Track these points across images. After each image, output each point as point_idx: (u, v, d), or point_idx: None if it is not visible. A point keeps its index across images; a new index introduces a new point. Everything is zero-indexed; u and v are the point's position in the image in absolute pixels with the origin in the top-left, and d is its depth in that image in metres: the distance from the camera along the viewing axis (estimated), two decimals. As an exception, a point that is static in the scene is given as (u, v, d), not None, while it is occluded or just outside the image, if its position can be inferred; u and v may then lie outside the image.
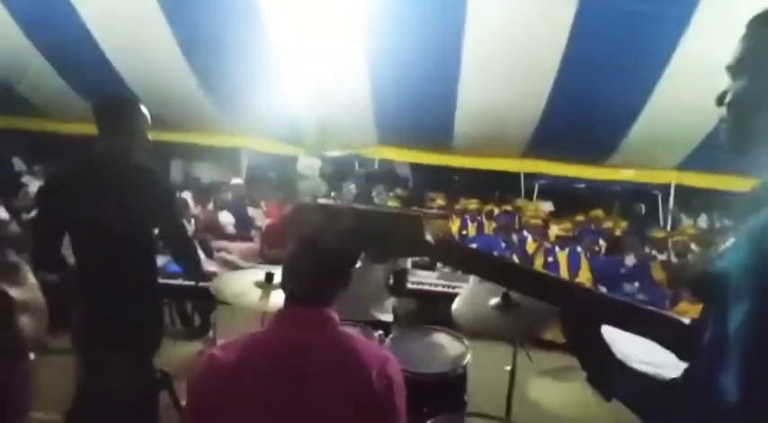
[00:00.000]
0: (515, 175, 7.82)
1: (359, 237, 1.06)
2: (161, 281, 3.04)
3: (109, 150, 2.25)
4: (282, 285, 1.35)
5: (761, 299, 0.75)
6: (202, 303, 3.77)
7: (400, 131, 7.25)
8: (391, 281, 2.88)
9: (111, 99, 2.41)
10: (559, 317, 0.98)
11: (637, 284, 5.65)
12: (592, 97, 5.91)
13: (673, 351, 0.99)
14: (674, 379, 0.89)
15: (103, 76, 6.56)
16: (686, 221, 8.49)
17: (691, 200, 8.46)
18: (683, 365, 0.93)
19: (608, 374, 0.95)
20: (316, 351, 1.25)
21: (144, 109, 2.33)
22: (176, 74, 6.59)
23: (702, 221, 8.94)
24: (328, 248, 1.29)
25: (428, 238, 1.01)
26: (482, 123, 6.68)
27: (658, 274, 5.88)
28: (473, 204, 7.26)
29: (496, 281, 1.14)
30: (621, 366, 0.94)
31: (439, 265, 5.45)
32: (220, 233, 6.36)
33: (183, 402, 2.88)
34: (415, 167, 9.44)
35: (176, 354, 2.29)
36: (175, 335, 4.04)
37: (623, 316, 0.98)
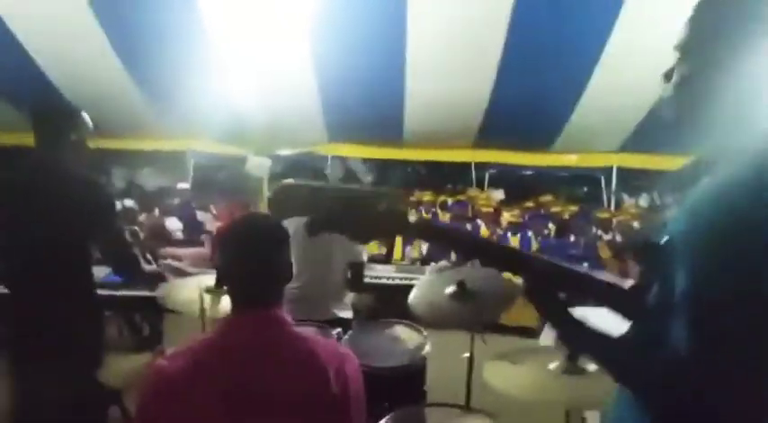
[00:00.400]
0: (466, 166, 7.92)
1: (341, 216, 1.05)
2: (105, 292, 2.95)
3: (46, 159, 2.15)
4: (227, 290, 1.31)
5: (699, 263, 0.83)
6: (151, 313, 3.63)
7: (350, 127, 7.23)
8: (348, 275, 2.85)
9: (50, 107, 2.30)
10: (524, 285, 1.07)
11: (585, 264, 5.82)
12: (534, 86, 6.07)
13: (618, 311, 1.10)
14: (626, 334, 1.01)
15: (36, 85, 6.26)
16: (628, 201, 8.83)
17: (631, 181, 8.83)
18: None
19: (571, 333, 1.05)
20: (268, 355, 1.22)
21: (85, 116, 2.24)
22: (113, 79, 6.34)
23: (643, 201, 9.32)
24: (270, 247, 1.28)
25: (410, 216, 1.06)
26: (431, 115, 6.74)
27: (604, 253, 6.09)
28: (427, 196, 7.31)
29: (468, 254, 1.21)
30: (581, 325, 1.03)
31: (395, 258, 5.49)
32: (168, 240, 6.17)
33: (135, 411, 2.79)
34: (368, 162, 9.43)
35: (124, 366, 2.18)
36: (125, 346, 3.88)
37: (577, 283, 1.09)
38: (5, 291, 2.22)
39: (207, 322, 2.52)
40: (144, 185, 8.67)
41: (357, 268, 2.91)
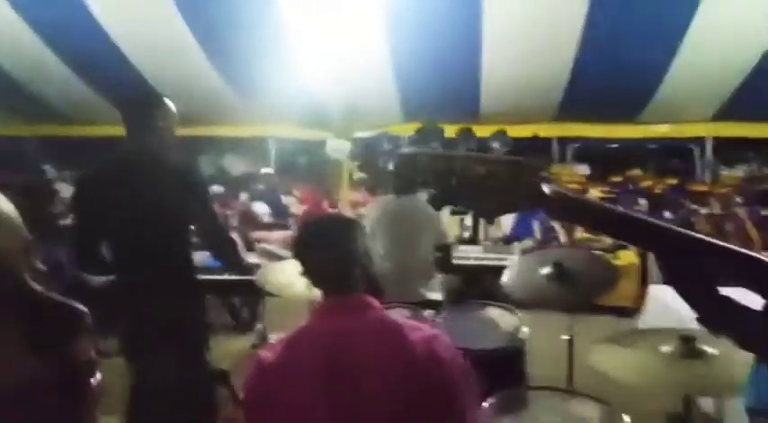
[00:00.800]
0: (547, 141, 7.65)
1: (471, 188, 0.94)
2: (204, 277, 3.09)
3: (138, 148, 2.24)
4: (313, 280, 1.36)
5: None
6: (249, 296, 3.79)
7: (426, 106, 7.13)
8: (437, 257, 2.84)
9: (137, 96, 2.41)
10: (660, 261, 0.96)
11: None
12: (618, 58, 5.77)
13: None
14: None
15: (124, 76, 6.56)
16: (725, 173, 8.21)
17: (728, 151, 8.22)
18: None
19: (716, 312, 0.93)
20: (359, 338, 1.26)
21: (170, 104, 2.31)
22: (196, 67, 6.57)
23: (742, 172, 8.64)
24: (349, 234, 1.35)
25: (544, 187, 0.95)
26: (508, 91, 6.55)
27: (703, 227, 5.69)
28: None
29: (605, 229, 1.10)
30: (728, 303, 0.92)
31: (482, 238, 5.40)
32: (256, 224, 6.42)
33: (241, 396, 2.93)
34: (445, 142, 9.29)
35: (229, 349, 2.30)
36: (226, 330, 4.08)
37: (725, 259, 0.95)
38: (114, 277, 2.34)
39: (305, 304, 2.60)
40: (230, 171, 9.02)
41: (445, 250, 2.90)
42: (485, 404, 1.82)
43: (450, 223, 4.91)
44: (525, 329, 2.24)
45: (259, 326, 2.42)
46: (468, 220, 5.71)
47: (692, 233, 1.01)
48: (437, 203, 0.99)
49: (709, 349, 1.66)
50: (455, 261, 3.25)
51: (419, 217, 2.78)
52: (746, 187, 6.65)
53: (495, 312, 2.46)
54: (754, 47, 5.72)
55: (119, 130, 2.33)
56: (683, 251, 0.95)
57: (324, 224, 1.47)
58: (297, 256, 1.38)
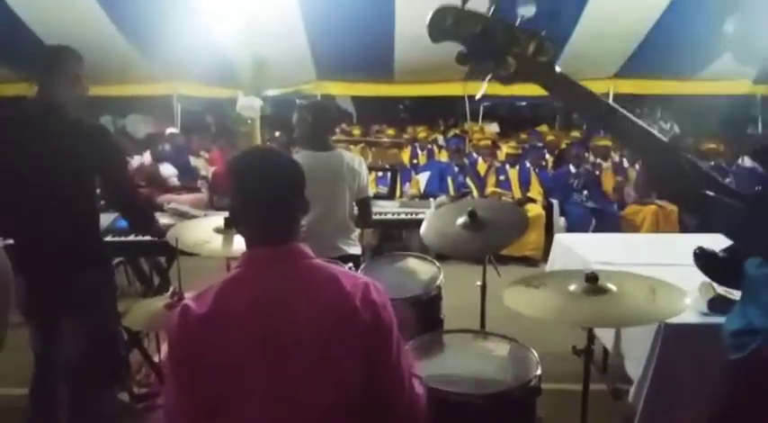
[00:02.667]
0: (459, 100, 7.78)
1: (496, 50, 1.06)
2: (112, 239, 2.92)
3: (47, 100, 2.07)
4: (239, 229, 1.28)
5: None
6: (160, 258, 3.63)
7: (339, 64, 7.03)
8: (355, 211, 2.84)
9: (53, 46, 2.22)
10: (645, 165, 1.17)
11: (585, 193, 5.86)
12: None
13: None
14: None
15: (17, 35, 5.97)
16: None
17: (629, 107, 8.79)
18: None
19: (696, 207, 1.14)
20: (292, 289, 1.20)
21: (80, 56, 2.15)
22: (93, 23, 6.05)
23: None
24: (281, 178, 1.25)
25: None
26: (421, 50, 6.54)
27: (608, 180, 6.10)
28: (422, 132, 7.21)
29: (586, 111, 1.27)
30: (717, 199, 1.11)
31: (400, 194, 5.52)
32: (164, 187, 6.11)
33: (156, 358, 2.85)
34: (359, 100, 9.24)
35: (142, 310, 2.20)
36: (134, 295, 3.91)
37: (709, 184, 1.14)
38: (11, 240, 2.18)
39: (219, 263, 2.53)
40: (133, 132, 8.47)
41: (365, 204, 2.90)
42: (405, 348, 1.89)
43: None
44: (442, 277, 2.31)
45: (173, 286, 2.32)
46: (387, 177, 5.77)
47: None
48: (462, 59, 1.08)
49: (610, 286, 1.80)
50: (374, 216, 3.24)
51: (338, 172, 2.74)
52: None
53: (413, 263, 2.52)
54: (651, 11, 6.10)
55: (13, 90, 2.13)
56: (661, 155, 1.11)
57: (265, 158, 1.33)
58: (233, 189, 1.26)
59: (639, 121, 1.16)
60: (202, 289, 1.23)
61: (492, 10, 1.06)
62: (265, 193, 1.24)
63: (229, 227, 2.33)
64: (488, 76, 1.10)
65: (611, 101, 6.35)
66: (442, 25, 1.04)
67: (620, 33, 6.44)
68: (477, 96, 1.23)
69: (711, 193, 1.11)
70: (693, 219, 1.32)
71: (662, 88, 7.57)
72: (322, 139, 2.78)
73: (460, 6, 1.05)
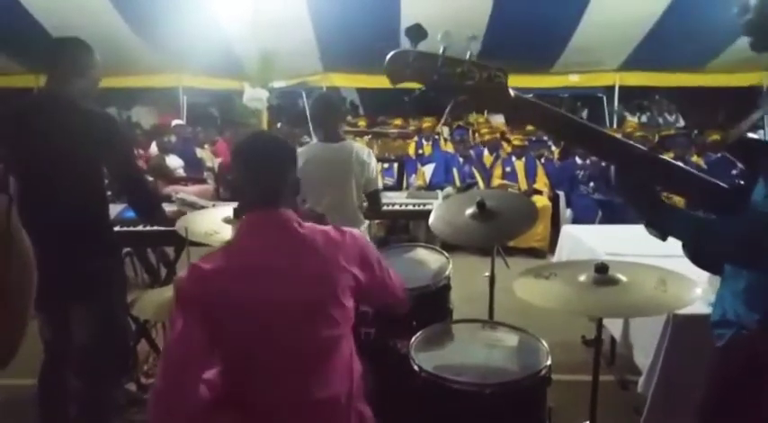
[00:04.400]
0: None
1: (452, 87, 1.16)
2: (120, 229, 2.93)
3: (57, 91, 2.07)
4: (238, 199, 1.49)
5: None
6: (166, 250, 3.64)
7: (345, 57, 7.01)
8: (365, 203, 2.84)
9: (68, 38, 2.21)
10: (616, 170, 1.17)
11: (592, 185, 5.83)
12: (532, 7, 5.92)
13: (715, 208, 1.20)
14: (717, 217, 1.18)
15: (22, 25, 5.98)
16: (630, 119, 8.78)
17: (633, 99, 8.77)
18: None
19: (660, 217, 1.17)
20: (286, 245, 1.38)
21: (92, 49, 2.16)
22: (98, 14, 6.04)
23: (645, 117, 9.29)
24: (274, 155, 1.45)
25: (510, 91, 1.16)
26: (427, 42, 6.52)
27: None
28: (427, 123, 7.18)
29: (565, 134, 1.28)
30: (672, 210, 1.15)
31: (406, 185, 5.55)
32: (170, 178, 6.12)
33: (162, 347, 2.85)
34: (364, 92, 9.21)
35: (151, 300, 2.21)
36: (141, 286, 3.92)
37: (673, 173, 1.18)
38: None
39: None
40: (139, 123, 8.48)
41: (374, 196, 2.90)
42: (413, 339, 1.89)
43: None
44: (451, 268, 2.30)
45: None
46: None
47: (644, 149, 1.17)
48: (416, 104, 1.17)
49: (620, 276, 1.79)
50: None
51: (347, 163, 2.74)
52: (649, 132, 7.17)
53: (422, 253, 2.52)
54: (657, 4, 6.07)
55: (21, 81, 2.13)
56: (630, 159, 1.14)
57: (265, 141, 1.55)
58: (234, 165, 1.46)
59: (600, 129, 1.21)
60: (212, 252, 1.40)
61: (443, 49, 1.14)
62: (259, 162, 1.44)
63: (238, 217, 2.33)
64: (449, 106, 1.19)
65: (616, 92, 6.44)
66: (400, 68, 1.13)
67: (625, 26, 6.45)
68: (438, 128, 1.31)
69: (672, 207, 1.17)
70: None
71: (667, 81, 7.56)
72: (333, 130, 2.78)
73: (414, 49, 1.14)
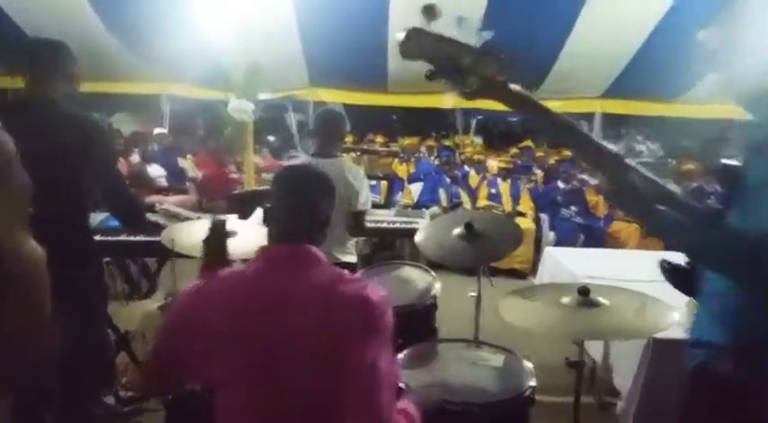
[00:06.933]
0: (452, 112, 7.85)
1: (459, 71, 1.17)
2: (101, 238, 2.88)
3: (40, 94, 2.05)
4: (267, 225, 1.41)
5: None
6: (146, 261, 3.59)
7: (333, 72, 7.04)
8: (351, 222, 2.84)
9: (47, 39, 2.18)
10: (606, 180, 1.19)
11: (573, 208, 5.94)
12: (519, 32, 6.03)
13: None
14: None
15: (1, 29, 5.88)
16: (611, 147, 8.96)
17: (614, 126, 8.98)
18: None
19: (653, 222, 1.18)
20: (298, 286, 1.25)
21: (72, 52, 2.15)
22: (80, 19, 5.98)
23: (624, 145, 9.50)
24: (309, 187, 1.38)
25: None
26: (415, 61, 6.61)
27: (592, 197, 6.19)
28: (413, 141, 7.26)
29: (550, 130, 1.28)
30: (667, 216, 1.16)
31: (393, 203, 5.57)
32: (151, 187, 6.05)
33: (142, 359, 2.81)
34: (352, 108, 9.24)
35: (134, 312, 2.18)
36: (120, 297, 3.85)
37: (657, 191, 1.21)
38: None
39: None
40: (120, 130, 8.37)
41: (359, 215, 2.91)
42: (399, 357, 1.89)
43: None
44: (438, 287, 2.32)
45: (166, 287, 2.31)
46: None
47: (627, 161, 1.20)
48: (431, 76, 1.18)
49: (602, 300, 1.83)
50: (369, 224, 3.24)
51: (338, 181, 2.75)
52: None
53: (409, 271, 2.53)
54: (638, 34, 6.25)
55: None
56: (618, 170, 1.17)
57: (303, 172, 1.52)
58: (272, 192, 1.42)
59: (593, 136, 1.24)
60: (220, 272, 1.36)
61: (458, 35, 1.18)
62: (292, 193, 1.39)
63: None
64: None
65: (597, 120, 6.56)
66: (414, 44, 1.15)
67: (608, 54, 6.60)
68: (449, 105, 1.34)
69: (662, 209, 1.17)
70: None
71: (647, 109, 7.75)
72: (329, 146, 2.79)
73: (431, 30, 1.15)
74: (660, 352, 2.04)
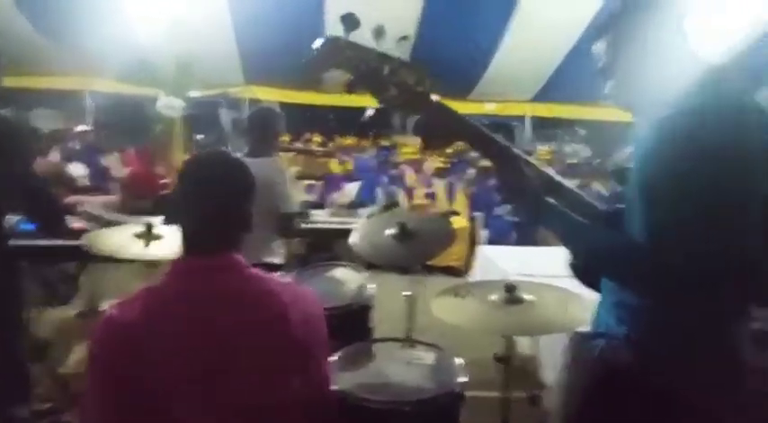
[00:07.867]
0: (389, 112, 7.89)
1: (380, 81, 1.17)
2: (15, 243, 2.68)
3: None
4: (181, 232, 1.23)
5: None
6: (67, 265, 3.38)
7: (269, 69, 6.94)
8: (281, 223, 2.81)
9: None
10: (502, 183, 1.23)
11: (506, 207, 6.11)
12: (453, 35, 6.19)
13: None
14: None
15: None
16: (541, 148, 9.32)
17: (543, 129, 9.35)
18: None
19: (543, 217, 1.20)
20: (224, 300, 1.16)
21: None
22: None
23: (552, 147, 9.89)
24: (227, 188, 1.22)
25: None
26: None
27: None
28: (349, 141, 7.25)
29: (473, 142, 1.32)
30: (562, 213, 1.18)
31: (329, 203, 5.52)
32: (71, 187, 5.71)
33: (60, 369, 2.66)
34: (288, 107, 9.12)
35: (50, 319, 2.05)
36: (37, 303, 3.61)
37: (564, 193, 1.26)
38: None
39: (134, 271, 2.41)
40: (39, 127, 7.86)
41: (287, 217, 2.88)
42: (332, 358, 1.88)
43: (297, 187, 4.91)
44: (372, 287, 2.32)
45: (86, 293, 2.19)
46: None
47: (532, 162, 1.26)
48: (350, 87, 1.19)
49: (527, 296, 1.90)
50: (303, 225, 3.21)
51: (265, 180, 2.70)
52: (556, 161, 7.66)
53: (343, 272, 2.52)
54: (567, 40, 6.53)
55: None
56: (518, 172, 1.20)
57: (216, 161, 1.28)
58: (179, 189, 1.23)
59: (485, 130, 1.29)
60: (125, 298, 1.16)
61: (376, 44, 1.16)
62: (203, 186, 1.20)
63: (149, 232, 2.23)
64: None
65: (527, 123, 6.87)
66: (330, 54, 1.14)
67: (538, 59, 6.88)
68: (365, 117, 1.33)
69: (552, 203, 1.20)
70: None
71: (573, 113, 8.15)
72: (264, 146, 2.75)
73: (349, 39, 1.14)
74: (574, 344, 2.13)
